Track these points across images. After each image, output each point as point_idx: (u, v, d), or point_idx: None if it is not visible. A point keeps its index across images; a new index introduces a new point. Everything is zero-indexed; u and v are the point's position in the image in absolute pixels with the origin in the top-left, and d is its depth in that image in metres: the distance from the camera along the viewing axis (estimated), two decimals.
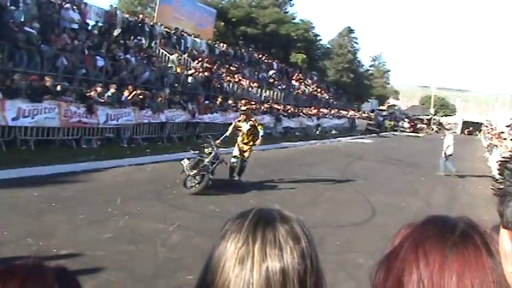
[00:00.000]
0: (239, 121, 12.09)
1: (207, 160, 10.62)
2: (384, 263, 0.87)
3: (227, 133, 11.98)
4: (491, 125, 53.95)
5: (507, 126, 45.18)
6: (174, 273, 5.50)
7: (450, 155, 17.29)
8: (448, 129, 20.89)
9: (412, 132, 51.31)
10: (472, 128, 62.14)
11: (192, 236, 6.99)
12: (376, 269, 0.88)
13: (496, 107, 68.76)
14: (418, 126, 56.24)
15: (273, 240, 0.97)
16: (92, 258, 5.85)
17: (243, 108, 12.60)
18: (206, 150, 10.97)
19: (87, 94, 16.05)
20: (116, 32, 23.97)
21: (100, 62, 19.44)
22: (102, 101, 16.18)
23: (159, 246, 6.62)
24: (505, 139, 29.09)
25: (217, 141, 11.38)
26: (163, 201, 9.45)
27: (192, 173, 10.38)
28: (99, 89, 16.45)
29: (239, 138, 12.06)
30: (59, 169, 11.07)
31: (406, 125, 55.13)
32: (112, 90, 16.98)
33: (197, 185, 10.34)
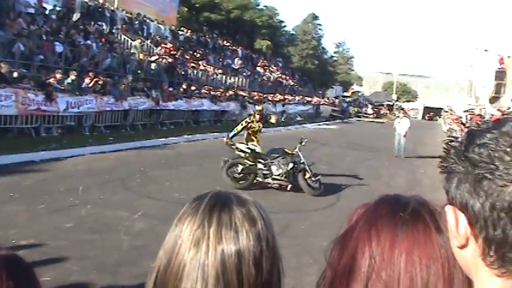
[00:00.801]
0: (253, 121, 11.27)
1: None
2: (339, 241, 0.89)
3: (237, 131, 11.06)
4: (451, 110, 55.39)
5: (465, 111, 46.50)
6: (138, 261, 5.42)
7: (404, 136, 18.58)
8: (404, 114, 21.98)
9: (376, 118, 52.19)
10: (432, 113, 63.71)
11: (156, 224, 6.91)
12: (331, 247, 0.90)
13: (455, 93, 70.65)
14: (381, 112, 57.24)
15: (228, 223, 0.97)
16: (53, 248, 5.71)
17: (259, 108, 12.09)
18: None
19: (47, 81, 15.60)
20: (75, 17, 23.33)
21: (59, 48, 18.90)
22: (62, 88, 15.77)
23: (122, 234, 6.52)
24: (463, 124, 29.96)
25: (227, 139, 10.91)
26: (127, 189, 9.31)
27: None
28: (58, 76, 16.01)
29: (251, 138, 11.23)
30: (18, 158, 10.76)
31: (370, 111, 56.07)
32: (72, 77, 16.56)
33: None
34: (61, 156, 11.71)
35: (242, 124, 11.25)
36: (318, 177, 10.35)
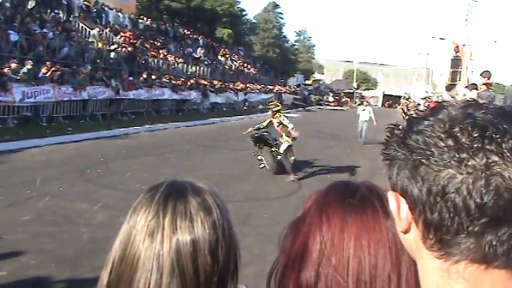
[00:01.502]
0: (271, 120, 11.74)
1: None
2: (293, 228, 0.90)
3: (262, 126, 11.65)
4: (409, 98, 56.54)
5: (422, 98, 47.54)
6: (98, 253, 5.33)
7: (372, 124, 19.08)
8: (367, 103, 22.82)
9: (337, 105, 52.78)
10: (391, 101, 64.79)
11: (117, 216, 6.79)
12: (284, 233, 0.91)
13: (413, 81, 72.03)
14: (342, 100, 57.90)
15: (183, 212, 0.98)
16: (10, 242, 5.58)
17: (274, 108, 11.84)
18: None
19: (2, 71, 15.09)
20: (30, 5, 22.56)
21: (13, 37, 18.28)
22: (18, 78, 15.30)
23: (82, 226, 6.40)
24: (421, 111, 30.58)
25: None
26: (87, 180, 9.15)
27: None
28: (13, 66, 15.53)
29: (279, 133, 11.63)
30: None
31: (331, 99, 56.65)
32: (28, 66, 16.08)
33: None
34: (17, 148, 11.41)
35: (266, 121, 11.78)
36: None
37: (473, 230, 0.61)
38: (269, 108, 12.02)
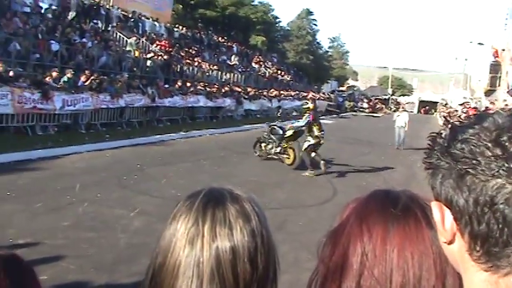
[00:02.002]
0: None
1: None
2: (331, 237, 0.89)
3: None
4: (446, 104, 55.46)
5: (460, 104, 46.61)
6: (135, 259, 5.43)
7: (406, 130, 19.28)
8: (403, 108, 22.82)
9: (371, 112, 52.14)
10: (428, 107, 63.73)
11: (154, 222, 6.90)
12: (323, 243, 0.90)
13: (450, 87, 70.68)
14: (377, 106, 57.23)
15: (222, 220, 0.98)
16: (51, 247, 5.71)
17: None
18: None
19: (43, 79, 15.54)
20: (71, 16, 23.24)
21: (54, 47, 18.82)
22: (58, 86, 15.72)
23: (120, 232, 6.51)
24: (459, 117, 30.00)
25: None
26: (124, 187, 9.30)
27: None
28: (54, 74, 15.96)
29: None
30: (14, 157, 10.72)
31: (365, 105, 56.01)
32: (68, 75, 16.49)
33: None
34: (58, 155, 11.69)
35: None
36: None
37: None
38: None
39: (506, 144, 0.61)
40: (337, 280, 0.84)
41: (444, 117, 30.77)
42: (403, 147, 18.86)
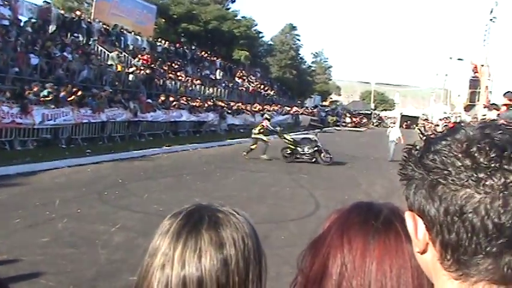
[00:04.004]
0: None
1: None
2: (312, 247, 0.90)
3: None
4: (427, 119, 56.17)
5: (441, 119, 47.23)
6: (116, 274, 5.35)
7: (396, 143, 20.09)
8: (393, 123, 23.85)
9: (354, 126, 52.61)
10: (409, 121, 64.43)
11: (135, 237, 6.83)
12: (303, 254, 0.90)
13: (431, 102, 71.67)
14: (363, 121, 57.75)
15: (193, 247, 0.97)
16: (29, 263, 5.60)
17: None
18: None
19: (23, 93, 15.36)
20: (51, 29, 23.12)
21: (34, 60, 18.66)
22: (41, 100, 15.55)
23: (100, 248, 6.41)
24: (438, 132, 30.43)
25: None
26: (105, 202, 9.20)
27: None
28: (35, 89, 15.80)
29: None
30: None
31: (348, 120, 56.51)
32: (48, 89, 16.35)
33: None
34: (37, 170, 11.54)
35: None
36: (329, 155, 17.52)
37: (492, 251, 0.60)
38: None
39: (476, 155, 0.62)
40: None
41: (419, 130, 31.29)
42: (391, 159, 19.28)
